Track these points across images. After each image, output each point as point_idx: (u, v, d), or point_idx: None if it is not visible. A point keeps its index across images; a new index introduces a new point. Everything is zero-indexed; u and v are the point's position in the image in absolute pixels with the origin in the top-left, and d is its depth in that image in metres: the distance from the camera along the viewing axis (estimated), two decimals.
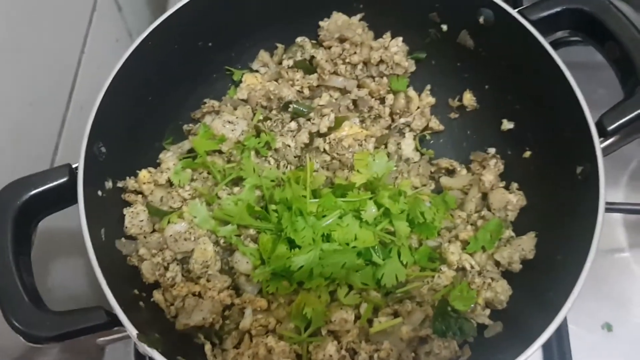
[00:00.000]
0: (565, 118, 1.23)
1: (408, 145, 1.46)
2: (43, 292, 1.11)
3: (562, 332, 1.40)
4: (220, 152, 1.39)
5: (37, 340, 1.04)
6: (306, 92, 1.48)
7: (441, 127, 1.50)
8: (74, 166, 1.18)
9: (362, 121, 1.47)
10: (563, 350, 1.40)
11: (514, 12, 1.28)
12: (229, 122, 1.39)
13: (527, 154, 1.36)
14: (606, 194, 1.12)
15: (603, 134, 1.17)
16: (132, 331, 1.03)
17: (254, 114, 1.45)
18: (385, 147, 1.47)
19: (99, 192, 1.22)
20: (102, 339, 1.09)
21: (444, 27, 1.42)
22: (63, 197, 1.17)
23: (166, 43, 1.35)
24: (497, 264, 1.28)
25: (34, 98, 1.41)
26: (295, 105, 1.43)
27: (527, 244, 1.26)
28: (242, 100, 1.49)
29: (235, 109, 1.46)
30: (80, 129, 1.18)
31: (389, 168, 1.34)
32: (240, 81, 1.52)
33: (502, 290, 1.22)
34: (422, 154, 1.47)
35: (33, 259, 1.14)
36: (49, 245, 1.47)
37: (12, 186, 1.13)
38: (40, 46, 1.43)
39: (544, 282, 1.18)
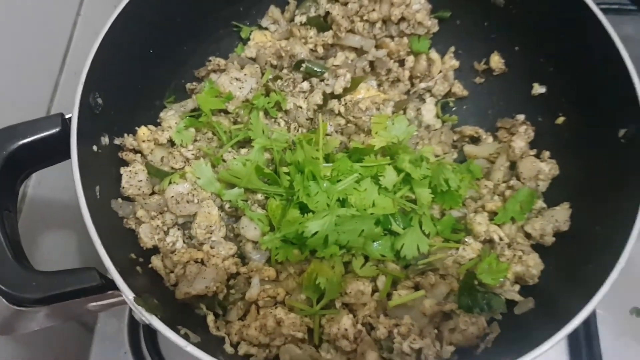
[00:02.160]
0: (606, 79, 1.14)
1: (429, 112, 1.36)
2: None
3: (589, 317, 1.29)
4: (226, 112, 1.29)
5: (21, 302, 0.93)
6: (320, 51, 1.37)
7: (465, 93, 1.40)
8: (67, 116, 1.07)
9: (379, 84, 1.38)
10: (590, 335, 1.33)
11: None
12: (237, 79, 1.28)
13: (561, 120, 1.26)
14: None
15: None
16: (129, 294, 0.93)
17: (263, 74, 1.34)
18: (404, 112, 1.36)
19: (94, 147, 1.12)
20: (94, 304, 0.98)
21: None
22: (55, 150, 1.06)
23: None
24: (528, 236, 1.18)
25: (26, 59, 1.32)
26: (308, 64, 1.33)
27: (560, 215, 1.16)
28: (251, 58, 1.39)
29: (242, 67, 1.35)
30: (74, 94, 1.08)
31: (410, 132, 1.23)
32: (249, 39, 1.42)
33: (533, 264, 1.12)
34: (444, 121, 1.37)
35: (21, 231, 1.04)
36: (37, 216, 1.38)
37: None
38: (34, 6, 1.33)
39: (581, 255, 1.09)
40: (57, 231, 1.53)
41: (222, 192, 1.17)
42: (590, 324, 1.33)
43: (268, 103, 1.27)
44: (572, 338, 1.32)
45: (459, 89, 1.39)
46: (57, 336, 1.44)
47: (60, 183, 1.38)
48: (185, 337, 0.95)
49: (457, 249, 1.15)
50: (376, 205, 1.13)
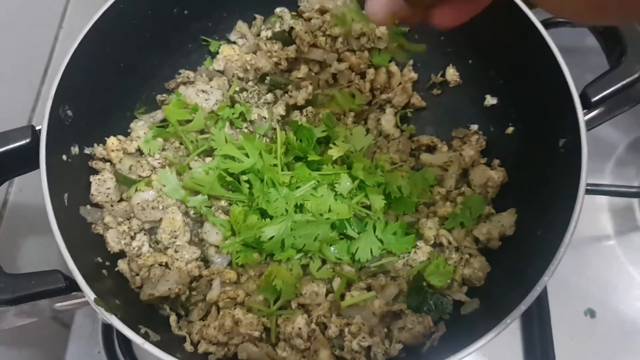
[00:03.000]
0: (550, 92, 1.20)
1: (388, 121, 1.42)
2: (10, 270, 1.06)
3: (544, 318, 1.37)
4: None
5: None
6: (284, 64, 1.43)
7: (423, 104, 1.46)
8: (37, 128, 1.13)
9: None
10: (545, 335, 1.36)
11: None
12: (203, 91, 1.34)
13: (510, 130, 1.32)
14: (592, 179, 1.09)
15: (587, 105, 1.14)
16: (90, 295, 0.99)
17: (230, 86, 1.41)
18: (365, 122, 1.43)
19: (64, 157, 1.17)
20: (60, 304, 1.04)
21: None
22: (25, 160, 1.12)
23: (140, 7, 1.30)
24: (476, 240, 1.24)
25: (7, 70, 1.36)
26: (272, 77, 1.39)
27: (507, 220, 1.22)
28: (218, 71, 1.45)
29: (210, 80, 1.41)
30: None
31: (367, 142, 1.30)
32: (217, 52, 1.48)
33: (480, 267, 1.18)
34: (402, 131, 1.43)
35: (3, 236, 1.09)
36: (18, 222, 1.43)
37: None
38: (17, 19, 1.38)
39: (523, 258, 1.14)
40: (38, 236, 1.57)
41: (187, 199, 1.23)
42: (545, 324, 1.37)
43: (233, 114, 1.33)
44: (527, 339, 1.37)
45: (417, 100, 1.45)
46: (35, 334, 1.48)
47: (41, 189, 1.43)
48: (145, 335, 1.00)
49: (409, 252, 1.21)
50: (332, 210, 1.20)
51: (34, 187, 1.43)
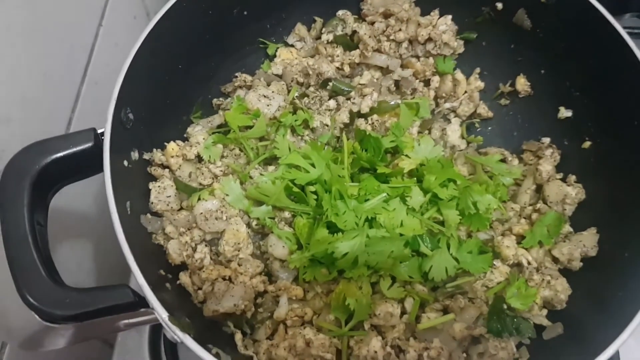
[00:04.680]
0: (634, 104, 1.14)
1: (454, 132, 1.36)
2: None
3: None
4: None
5: (54, 318, 0.92)
6: (346, 69, 1.38)
7: (490, 114, 1.40)
8: (99, 131, 1.07)
9: None
10: None
11: None
12: (265, 96, 1.28)
13: (587, 144, 1.26)
14: None
15: None
16: (162, 313, 0.92)
17: (289, 91, 1.34)
18: (429, 132, 1.37)
19: (125, 162, 1.11)
20: (125, 321, 0.98)
21: (499, 5, 1.32)
22: (86, 165, 1.06)
23: (200, 7, 1.25)
24: (556, 260, 1.18)
25: (48, 69, 1.31)
26: (335, 83, 1.33)
27: (588, 240, 1.16)
28: (277, 75, 1.39)
29: (268, 84, 1.35)
30: (95, 105, 1.07)
31: (437, 153, 1.24)
32: (275, 55, 1.42)
33: (562, 289, 1.12)
34: (468, 142, 1.37)
35: None
36: (55, 228, 1.37)
37: (31, 148, 1.02)
38: (57, 18, 1.33)
39: (610, 282, 1.08)
40: (74, 243, 1.52)
41: (250, 209, 1.17)
42: None
43: (295, 121, 1.27)
44: None
45: (484, 110, 1.39)
46: (76, 350, 1.43)
47: (77, 194, 1.37)
48: (217, 356, 0.94)
49: (486, 272, 1.15)
50: (404, 225, 1.13)
51: (70, 193, 1.38)
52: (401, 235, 1.12)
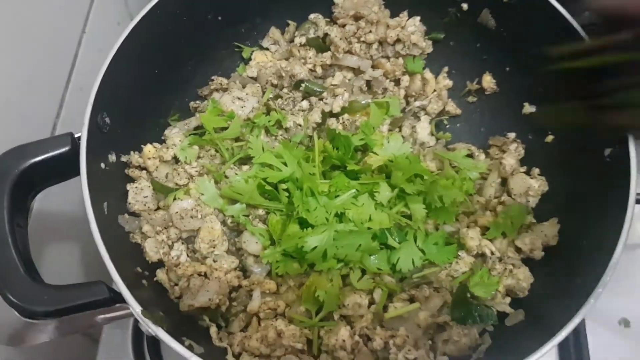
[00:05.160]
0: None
1: (423, 129, 1.40)
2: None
3: (579, 327, 1.34)
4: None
5: (33, 315, 0.96)
6: (318, 70, 1.42)
7: (458, 111, 1.45)
8: (76, 136, 1.11)
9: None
10: (580, 345, 1.36)
11: None
12: (239, 98, 1.33)
13: (550, 138, 1.31)
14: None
15: None
16: (136, 307, 0.97)
17: (264, 93, 1.39)
18: (400, 130, 1.41)
19: (102, 165, 1.16)
20: (102, 316, 1.02)
21: (464, 6, 1.37)
22: (64, 168, 1.10)
23: (176, 13, 1.29)
24: (518, 250, 1.22)
25: (32, 75, 1.35)
26: (307, 84, 1.37)
27: (549, 230, 1.20)
28: (252, 78, 1.43)
29: (244, 87, 1.40)
30: (79, 110, 1.11)
31: (405, 150, 1.28)
32: (250, 59, 1.46)
33: (523, 277, 1.17)
34: (437, 139, 1.42)
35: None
36: (41, 230, 1.41)
37: (10, 153, 1.07)
38: (40, 24, 1.37)
39: (569, 269, 1.13)
40: (62, 243, 1.56)
41: (225, 208, 1.22)
42: (579, 334, 1.36)
43: (269, 121, 1.32)
44: (562, 348, 1.36)
45: (452, 107, 1.44)
46: (62, 347, 1.47)
47: (65, 196, 1.41)
48: (190, 348, 0.98)
49: (451, 263, 1.19)
50: (372, 219, 1.18)
51: (57, 194, 1.42)
52: (369, 229, 1.16)
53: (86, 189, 1.05)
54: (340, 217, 1.18)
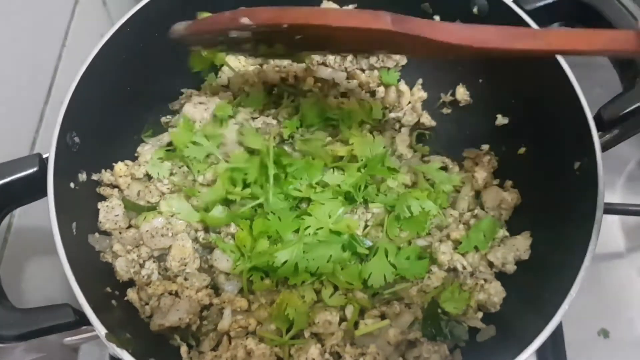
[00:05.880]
0: (563, 112, 1.18)
1: (403, 142, 1.40)
2: (16, 294, 1.04)
3: (557, 339, 1.36)
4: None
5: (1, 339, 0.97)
6: (291, 80, 1.41)
7: (433, 123, 1.44)
8: (44, 156, 1.11)
9: None
10: (559, 356, 1.35)
11: (509, 2, 1.23)
12: (200, 102, 1.33)
13: (522, 150, 1.30)
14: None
15: (602, 127, 1.11)
16: (101, 330, 0.97)
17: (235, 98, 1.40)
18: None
19: (72, 184, 1.16)
20: (69, 338, 1.02)
21: (437, 18, 1.36)
22: (33, 189, 1.10)
23: (146, 30, 1.28)
24: (491, 264, 1.22)
25: (10, 90, 1.34)
26: (280, 87, 1.39)
27: (521, 243, 1.20)
28: (223, 86, 1.43)
29: (215, 94, 1.39)
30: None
31: (381, 151, 1.29)
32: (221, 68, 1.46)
33: (495, 292, 1.16)
34: (415, 151, 1.41)
35: (5, 259, 1.07)
36: (23, 245, 1.41)
37: None
38: (18, 38, 1.36)
39: (539, 283, 1.12)
40: (43, 259, 1.55)
41: (206, 217, 1.21)
42: (558, 345, 1.36)
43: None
44: (541, 359, 1.36)
45: (427, 119, 1.43)
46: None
47: (45, 213, 1.41)
48: None
49: (423, 278, 1.19)
50: (339, 222, 1.19)
51: (39, 209, 1.42)
52: (338, 234, 1.17)
53: (53, 211, 1.05)
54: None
